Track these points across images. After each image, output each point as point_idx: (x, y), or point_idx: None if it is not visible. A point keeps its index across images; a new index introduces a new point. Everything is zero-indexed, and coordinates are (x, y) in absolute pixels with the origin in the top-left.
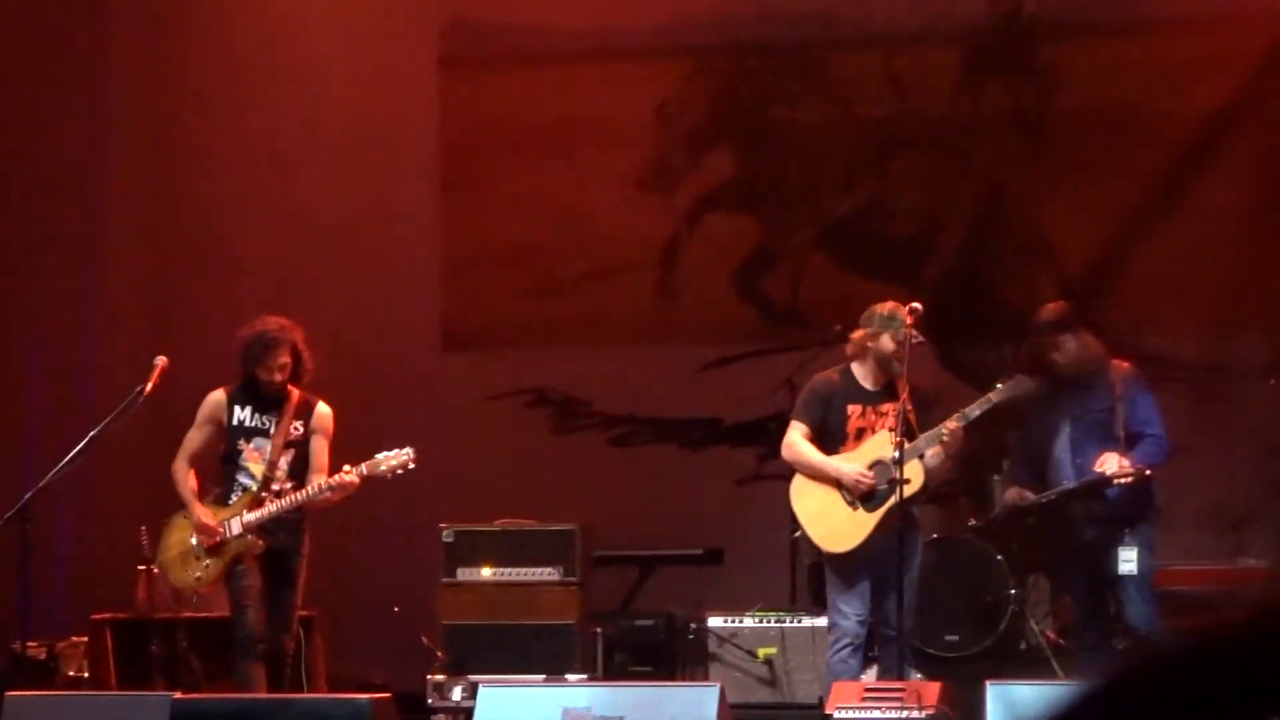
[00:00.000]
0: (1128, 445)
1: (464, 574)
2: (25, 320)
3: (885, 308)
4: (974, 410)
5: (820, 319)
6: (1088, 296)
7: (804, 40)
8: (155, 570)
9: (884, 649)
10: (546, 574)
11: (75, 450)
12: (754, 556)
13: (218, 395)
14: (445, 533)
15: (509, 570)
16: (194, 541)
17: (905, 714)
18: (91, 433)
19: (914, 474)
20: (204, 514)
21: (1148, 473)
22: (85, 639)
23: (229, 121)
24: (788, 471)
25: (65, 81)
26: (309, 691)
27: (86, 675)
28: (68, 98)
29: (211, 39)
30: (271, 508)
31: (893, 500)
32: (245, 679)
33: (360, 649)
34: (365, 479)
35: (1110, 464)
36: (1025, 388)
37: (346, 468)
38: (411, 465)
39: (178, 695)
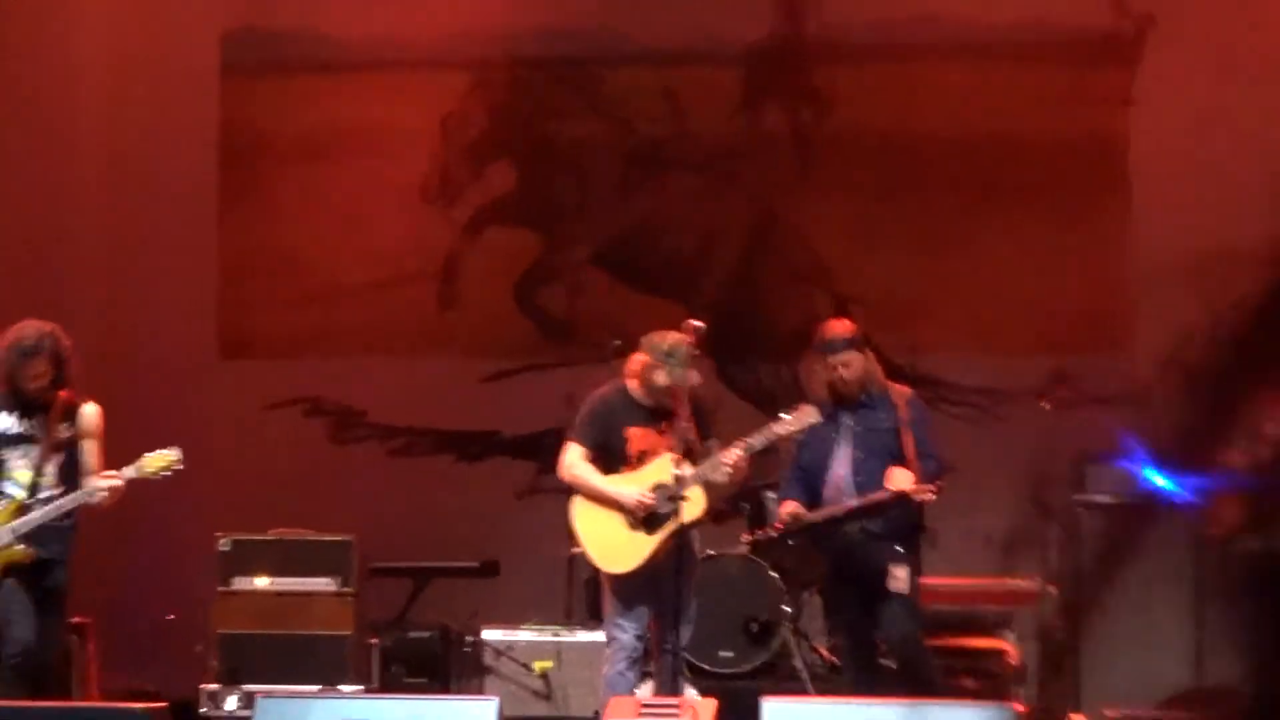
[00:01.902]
0: (912, 465)
1: (239, 583)
2: None
3: (666, 341)
4: (757, 440)
5: (598, 334)
6: (863, 318)
7: (583, 56)
8: None
9: (659, 664)
10: (323, 584)
11: None
12: (531, 570)
13: None
14: (221, 541)
15: (285, 580)
16: None
17: None
18: None
19: (696, 498)
20: None
21: (941, 489)
22: None
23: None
24: (566, 487)
25: None
26: (81, 700)
27: None
28: None
29: None
30: (40, 514)
31: (673, 526)
32: (5, 694)
33: (134, 657)
34: (132, 482)
35: (901, 480)
36: (809, 420)
37: (111, 473)
38: (179, 466)
39: None
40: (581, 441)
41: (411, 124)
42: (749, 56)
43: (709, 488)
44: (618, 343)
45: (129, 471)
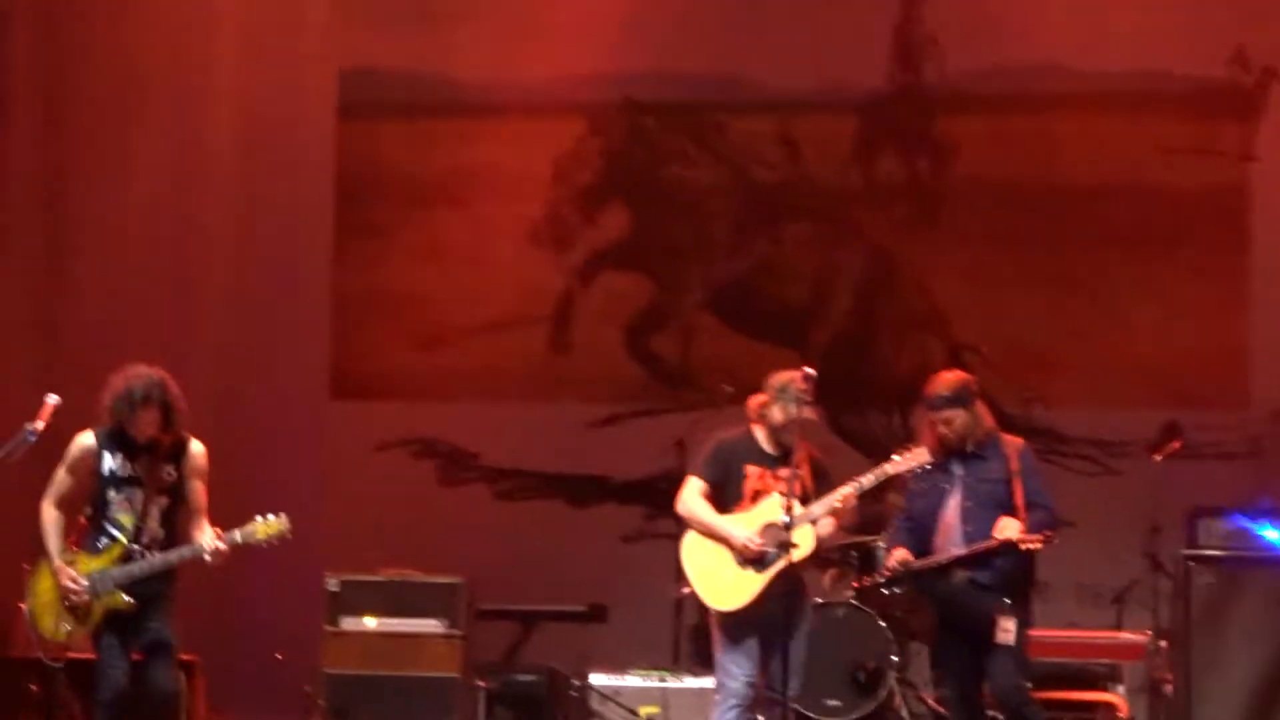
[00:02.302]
0: (1021, 516)
1: (348, 623)
2: None
3: (780, 378)
4: (869, 480)
5: (709, 380)
6: (978, 367)
7: (701, 102)
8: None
9: (768, 713)
10: (431, 626)
11: None
12: (638, 614)
13: (87, 440)
14: (330, 581)
15: (393, 621)
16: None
17: None
18: None
19: (805, 540)
20: (66, 575)
21: (1053, 539)
22: None
23: (122, 162)
24: (674, 531)
25: None
26: None
27: None
28: None
29: (105, 71)
30: (143, 565)
31: (781, 564)
32: None
33: (242, 696)
34: (237, 548)
35: (1009, 529)
36: (921, 460)
37: (218, 534)
38: (288, 536)
39: None
40: (702, 476)
41: (526, 167)
42: (867, 104)
43: (820, 537)
44: (730, 389)
45: (236, 537)
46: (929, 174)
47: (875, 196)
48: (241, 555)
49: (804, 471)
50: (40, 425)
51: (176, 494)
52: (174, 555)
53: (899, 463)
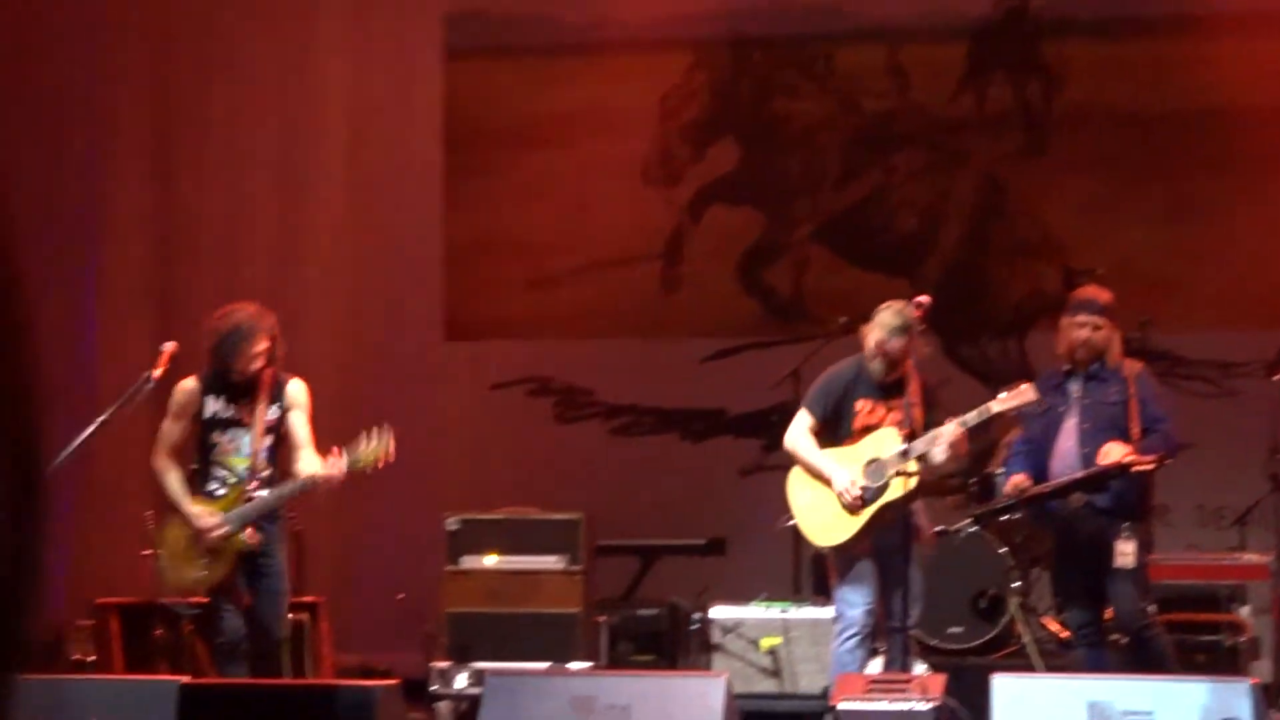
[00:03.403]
0: (1138, 440)
1: (467, 562)
2: (30, 305)
3: (883, 306)
4: (973, 417)
5: (823, 311)
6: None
7: (807, 33)
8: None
9: (888, 641)
10: (550, 562)
11: (82, 435)
12: (757, 547)
13: (190, 385)
14: (449, 521)
15: (513, 559)
16: (190, 538)
17: (910, 706)
18: (99, 418)
19: (908, 475)
20: (202, 515)
21: (1167, 460)
22: (91, 623)
23: (230, 108)
24: (790, 462)
25: (68, 63)
26: (314, 678)
27: (92, 659)
28: (71, 79)
29: (212, 26)
30: (257, 505)
31: (882, 501)
32: (228, 677)
33: (365, 636)
34: (346, 473)
35: (1114, 453)
36: (1027, 399)
37: (330, 460)
38: (391, 457)
39: (185, 680)
40: (811, 411)
41: (633, 105)
42: (975, 31)
43: (927, 466)
44: (843, 320)
45: (342, 464)
46: (1039, 99)
47: (985, 123)
48: (360, 496)
49: (915, 404)
50: (158, 372)
51: (279, 433)
52: (285, 489)
53: (1004, 399)
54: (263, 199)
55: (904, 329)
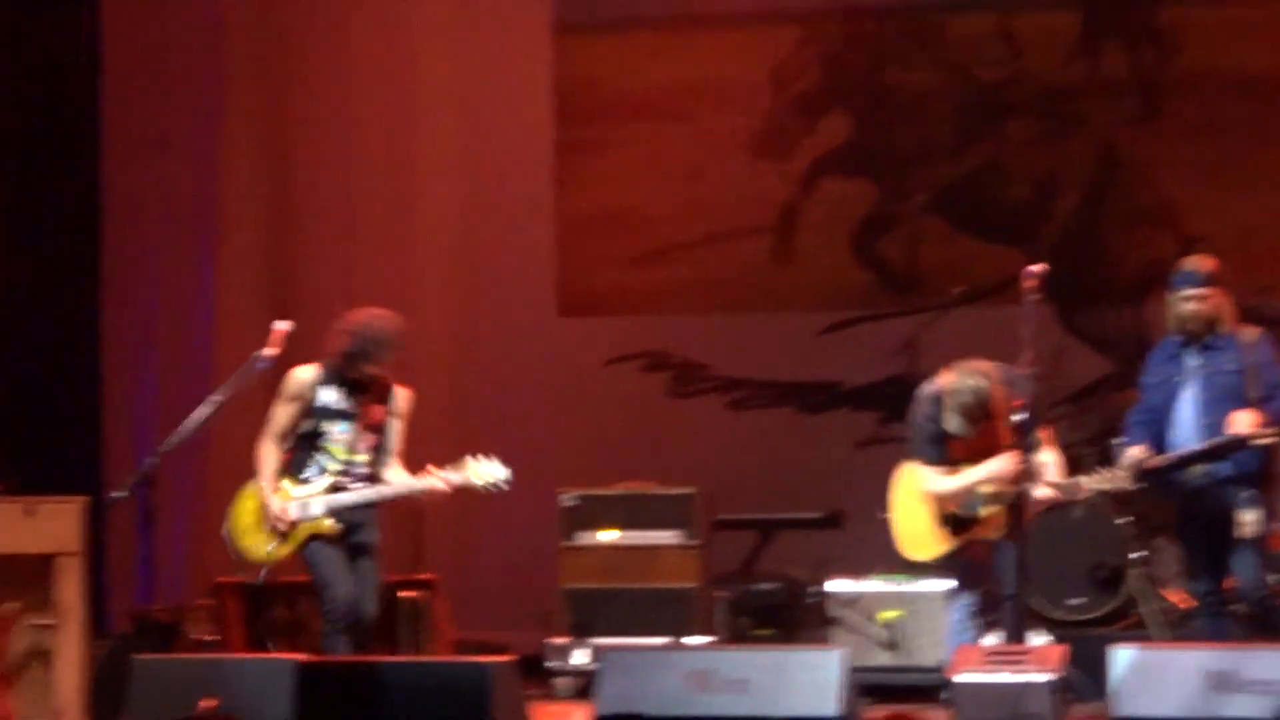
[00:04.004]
0: (1258, 408)
1: (584, 538)
2: (145, 287)
3: (962, 379)
4: (1065, 487)
5: (938, 282)
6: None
7: (919, 3)
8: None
9: (1002, 612)
10: (667, 537)
11: (199, 414)
12: (875, 520)
13: (306, 373)
14: (565, 497)
15: (630, 534)
16: (263, 516)
17: (1028, 677)
18: (214, 397)
19: (991, 521)
20: (277, 504)
21: None
22: (211, 603)
23: (342, 89)
24: (907, 435)
25: (181, 48)
26: (431, 655)
27: (212, 638)
28: (184, 61)
29: (321, 8)
30: (353, 496)
31: (969, 535)
32: (333, 653)
33: (483, 612)
34: (455, 488)
35: (1243, 423)
36: (1121, 486)
37: (436, 472)
38: (505, 488)
39: (303, 658)
40: (922, 459)
41: (744, 77)
42: None
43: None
44: (958, 290)
45: (454, 478)
46: (1153, 65)
47: (1099, 90)
48: None
49: (1004, 437)
50: (272, 352)
51: (382, 433)
52: (389, 490)
53: (1097, 479)
54: (374, 178)
55: (974, 418)
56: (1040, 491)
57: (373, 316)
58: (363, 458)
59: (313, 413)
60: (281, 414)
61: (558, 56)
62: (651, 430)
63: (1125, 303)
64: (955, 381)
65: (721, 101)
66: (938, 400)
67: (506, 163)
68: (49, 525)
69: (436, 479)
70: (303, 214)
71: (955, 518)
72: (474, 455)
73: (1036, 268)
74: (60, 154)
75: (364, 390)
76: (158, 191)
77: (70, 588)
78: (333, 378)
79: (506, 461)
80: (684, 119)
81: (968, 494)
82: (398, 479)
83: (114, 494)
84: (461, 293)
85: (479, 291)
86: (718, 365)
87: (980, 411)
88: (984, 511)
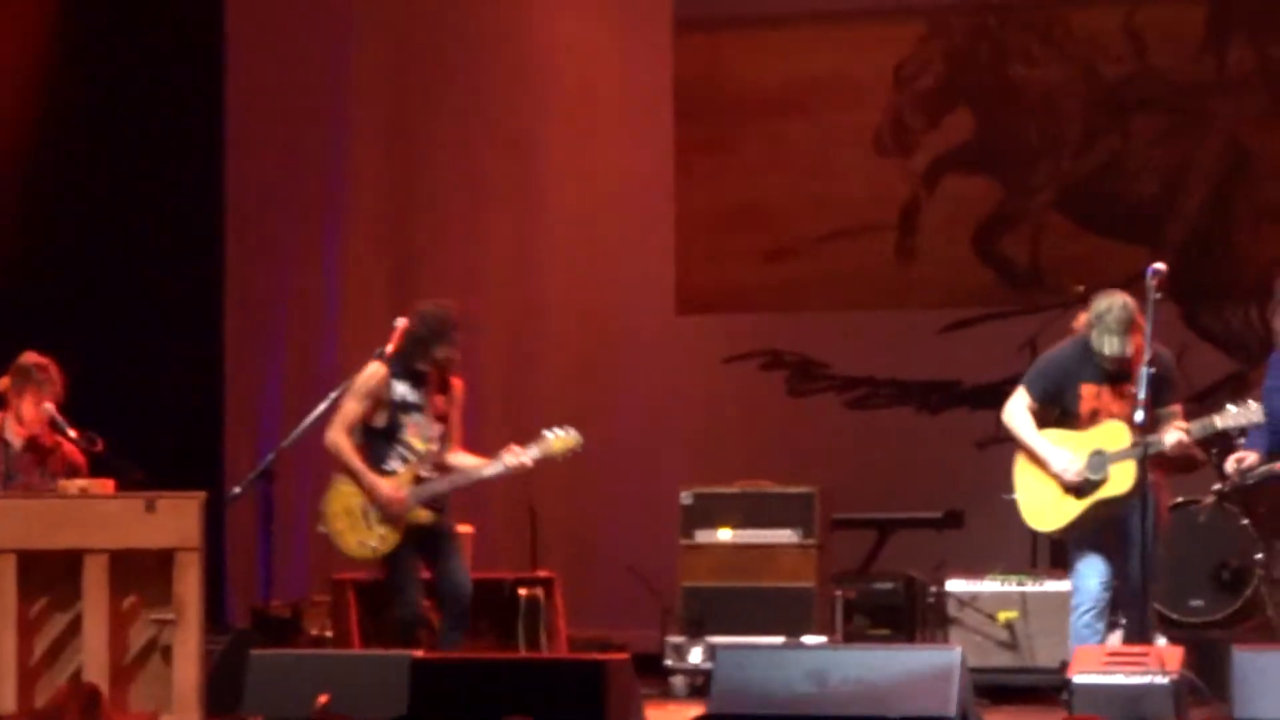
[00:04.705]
0: None
1: (702, 536)
2: (268, 283)
3: (1103, 301)
4: (1196, 429)
5: (1061, 280)
6: None
7: None
8: (325, 534)
9: (1127, 614)
10: (785, 536)
11: (319, 410)
12: (994, 519)
13: (380, 370)
14: (684, 495)
15: (747, 532)
16: (364, 509)
17: (1149, 679)
18: (334, 394)
19: (1122, 477)
20: (388, 486)
21: None
22: (328, 599)
23: (465, 89)
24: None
25: (307, 47)
26: (549, 652)
27: (329, 634)
28: (309, 60)
29: (446, 6)
30: (443, 483)
31: (1097, 497)
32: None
33: (599, 610)
34: (537, 462)
35: None
36: (1254, 419)
37: (517, 450)
38: (579, 449)
39: (418, 654)
40: (1029, 390)
41: (866, 74)
42: None
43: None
44: (1081, 289)
45: (534, 452)
46: None
47: (1226, 86)
48: (597, 472)
49: (1141, 384)
50: (391, 349)
51: (445, 421)
52: (478, 473)
53: (1230, 415)
54: (495, 177)
55: (1131, 329)
56: (1171, 436)
57: (439, 304)
58: (435, 447)
59: (392, 408)
60: (356, 409)
61: (678, 53)
62: (770, 429)
63: (1250, 302)
64: (1101, 300)
65: (843, 98)
66: (1081, 345)
67: (626, 160)
68: (169, 520)
69: (518, 457)
70: (426, 212)
71: (1082, 483)
72: (548, 429)
73: (1159, 266)
74: (184, 149)
75: (426, 383)
76: (282, 187)
77: (189, 583)
78: (402, 372)
79: (626, 458)
80: (805, 115)
81: (1099, 459)
82: (471, 463)
83: (234, 490)
84: (582, 290)
85: (599, 289)
86: (837, 363)
87: (1132, 324)
88: (1112, 470)
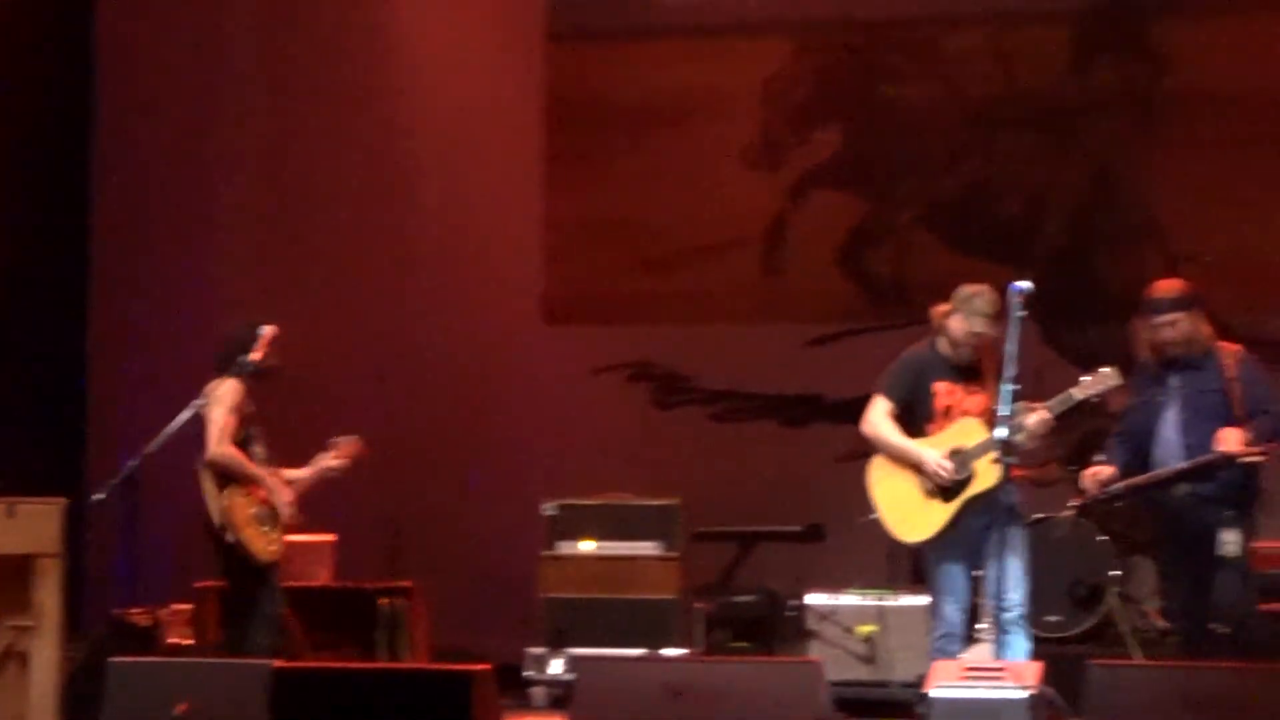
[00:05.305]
0: (1243, 425)
1: (565, 547)
2: (135, 289)
3: (968, 289)
4: (1056, 405)
5: (924, 297)
6: (1197, 277)
7: (913, 17)
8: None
9: (995, 627)
10: (647, 548)
11: (183, 417)
12: (855, 533)
13: (239, 384)
14: (547, 507)
15: (610, 544)
16: (259, 515)
17: (1005, 694)
18: (198, 401)
19: (988, 472)
20: (287, 490)
21: (1269, 450)
22: (190, 607)
23: (335, 94)
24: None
25: (179, 45)
26: (410, 662)
27: (190, 642)
28: (180, 66)
29: (317, 14)
30: (299, 487)
31: (967, 494)
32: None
33: (462, 620)
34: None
35: (1230, 442)
36: (1110, 383)
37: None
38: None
39: (278, 663)
40: (888, 396)
41: (736, 88)
42: (1079, 15)
43: (1011, 454)
44: (943, 305)
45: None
46: (1145, 83)
47: (1091, 108)
48: (461, 483)
49: (992, 389)
50: (258, 356)
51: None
52: (316, 473)
53: (1086, 385)
54: (366, 186)
55: (996, 316)
56: (1031, 417)
57: (240, 319)
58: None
59: (245, 420)
60: (233, 421)
61: (550, 65)
62: (635, 441)
63: (1111, 321)
64: (968, 287)
65: (713, 112)
66: (932, 345)
67: (497, 171)
68: (29, 526)
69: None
70: (293, 221)
71: (945, 486)
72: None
73: (1024, 284)
74: (50, 154)
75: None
76: (148, 193)
77: (48, 590)
78: (249, 384)
79: (491, 469)
80: (675, 129)
81: (960, 456)
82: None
83: (95, 496)
84: (451, 299)
85: (468, 298)
86: (703, 376)
87: (997, 314)
88: (976, 466)
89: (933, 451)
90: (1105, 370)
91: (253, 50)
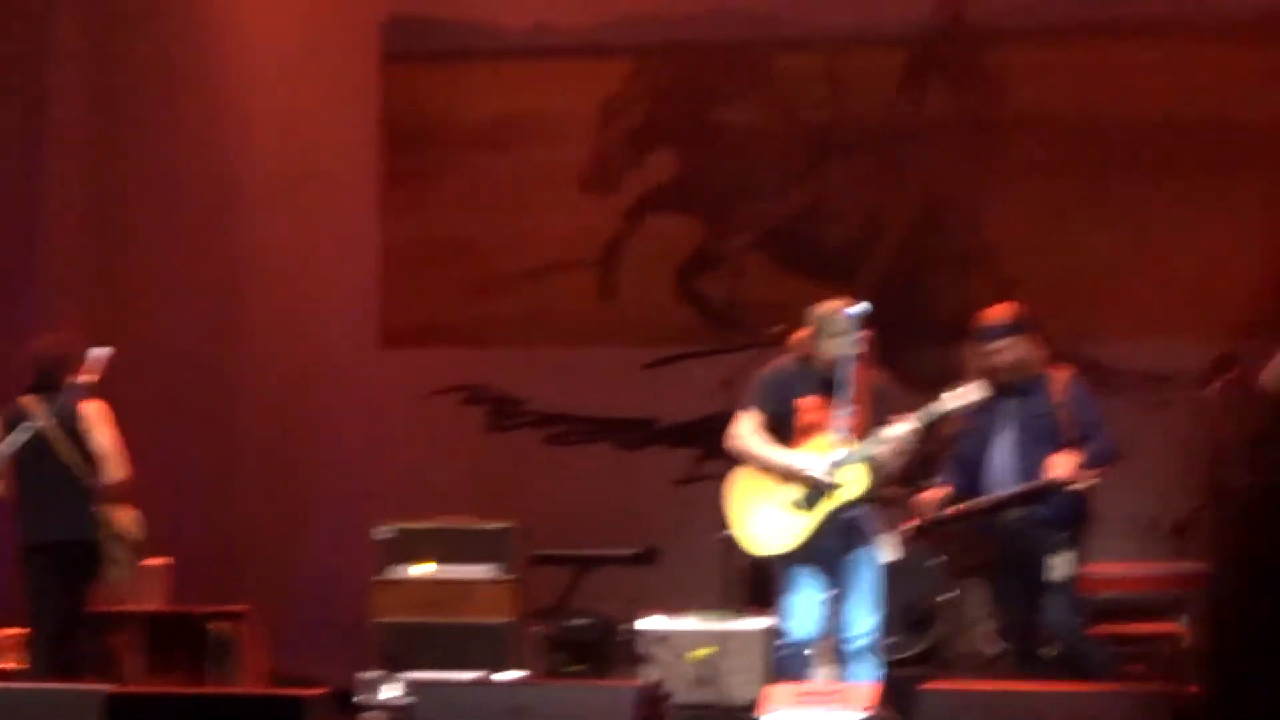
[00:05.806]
0: (1075, 449)
1: (399, 571)
2: None
3: (823, 309)
4: (922, 417)
5: (759, 320)
6: (1027, 301)
7: (746, 40)
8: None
9: (829, 651)
10: (482, 572)
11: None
12: (690, 557)
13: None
14: (380, 530)
15: (445, 568)
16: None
17: (841, 716)
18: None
19: (856, 477)
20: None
21: (1105, 473)
22: (21, 632)
23: (169, 114)
24: (725, 472)
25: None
26: (243, 686)
27: (21, 668)
28: (7, 76)
29: (149, 32)
30: None
31: (830, 505)
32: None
33: (296, 645)
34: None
35: (1061, 467)
36: (972, 397)
37: None
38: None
39: (110, 689)
40: (759, 407)
41: (571, 111)
42: (912, 39)
43: (876, 469)
44: (778, 329)
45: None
46: (978, 108)
47: (924, 132)
48: (294, 505)
49: (860, 404)
50: (90, 378)
51: None
52: None
53: (949, 399)
54: (199, 206)
55: (844, 332)
56: (899, 429)
57: (51, 334)
58: None
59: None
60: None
61: (386, 86)
62: (470, 464)
63: (943, 344)
64: (821, 308)
65: (549, 134)
66: (798, 360)
67: (332, 192)
68: None
69: None
70: (127, 239)
71: (810, 495)
72: None
73: (859, 307)
74: None
75: None
76: None
77: None
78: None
79: (325, 492)
80: (511, 150)
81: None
82: None
83: None
84: (285, 321)
85: (302, 320)
86: (538, 399)
87: (860, 327)
88: (840, 477)
89: (813, 458)
90: (969, 385)
91: (84, 62)
